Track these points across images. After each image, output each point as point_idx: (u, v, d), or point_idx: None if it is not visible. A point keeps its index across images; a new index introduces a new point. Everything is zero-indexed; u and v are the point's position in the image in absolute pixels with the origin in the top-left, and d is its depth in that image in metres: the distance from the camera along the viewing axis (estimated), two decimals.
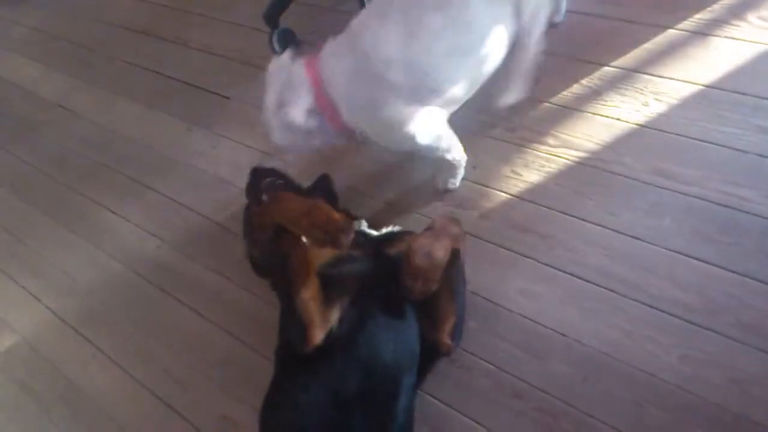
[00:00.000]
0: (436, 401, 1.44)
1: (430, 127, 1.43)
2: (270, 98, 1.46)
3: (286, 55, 1.47)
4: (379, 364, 1.26)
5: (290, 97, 1.43)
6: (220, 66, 2.38)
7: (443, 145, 1.52)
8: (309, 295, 1.25)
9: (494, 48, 1.39)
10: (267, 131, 1.50)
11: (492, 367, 1.44)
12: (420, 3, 1.33)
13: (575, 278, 1.47)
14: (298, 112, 1.42)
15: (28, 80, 2.85)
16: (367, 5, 1.64)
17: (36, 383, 1.86)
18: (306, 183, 1.73)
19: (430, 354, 1.39)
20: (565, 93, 1.78)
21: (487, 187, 1.68)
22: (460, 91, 1.41)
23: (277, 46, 2.16)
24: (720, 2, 1.84)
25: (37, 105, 2.69)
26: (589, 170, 1.62)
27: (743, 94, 1.64)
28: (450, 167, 1.62)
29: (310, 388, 1.24)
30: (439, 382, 1.46)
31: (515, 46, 1.46)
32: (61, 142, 2.46)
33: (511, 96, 1.56)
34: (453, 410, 1.42)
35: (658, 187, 1.55)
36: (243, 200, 1.71)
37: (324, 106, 1.42)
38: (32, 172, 2.40)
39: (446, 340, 1.38)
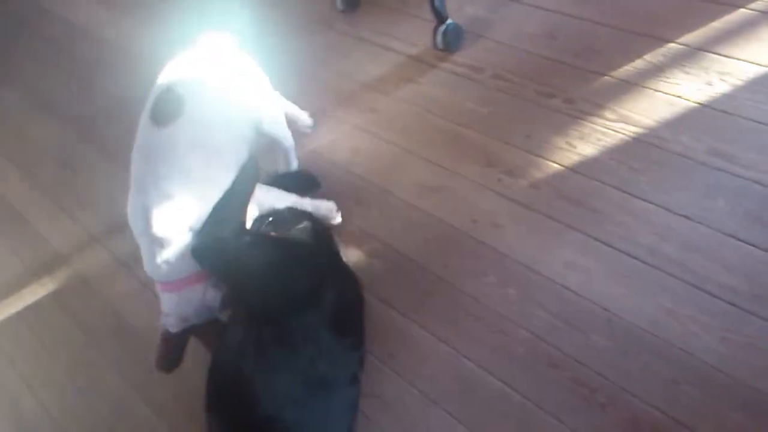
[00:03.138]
0: (470, 363, 1.47)
1: None
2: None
3: None
4: None
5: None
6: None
7: None
8: None
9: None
10: None
11: (529, 335, 1.45)
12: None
13: (622, 254, 1.47)
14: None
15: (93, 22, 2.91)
16: None
17: (87, 316, 1.94)
18: None
19: None
20: (627, 67, 1.75)
21: (539, 156, 1.67)
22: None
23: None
24: None
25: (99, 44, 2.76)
26: (645, 147, 1.60)
27: None
28: None
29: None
30: (475, 346, 1.48)
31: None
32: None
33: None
34: (487, 373, 1.44)
35: (715, 168, 1.53)
36: None
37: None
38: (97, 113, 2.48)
39: None
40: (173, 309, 1.47)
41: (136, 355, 1.83)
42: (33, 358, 2.03)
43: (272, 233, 1.53)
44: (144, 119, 1.47)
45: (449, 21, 1.92)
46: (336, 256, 1.59)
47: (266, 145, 1.71)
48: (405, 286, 1.61)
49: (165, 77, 1.51)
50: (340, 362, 1.44)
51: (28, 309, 2.16)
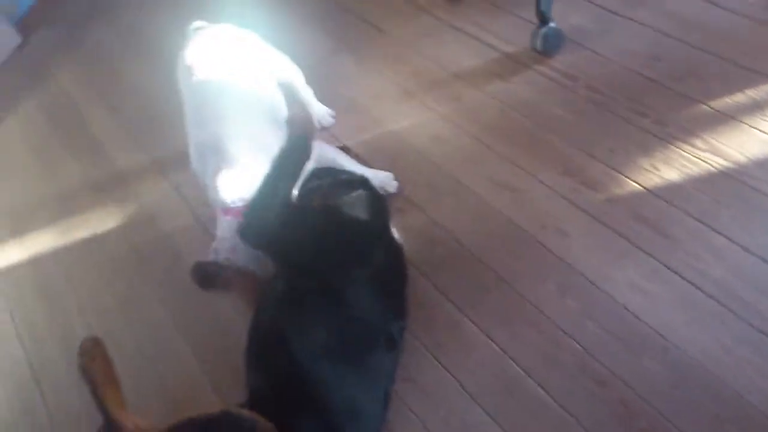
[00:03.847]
0: (515, 365, 1.46)
1: None
2: None
3: None
4: None
5: None
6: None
7: None
8: None
9: None
10: None
11: (580, 348, 1.44)
12: None
13: (690, 284, 1.44)
14: None
15: None
16: None
17: (146, 248, 2.02)
18: None
19: None
20: (726, 99, 1.71)
21: (620, 173, 1.65)
22: None
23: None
24: None
25: None
26: (732, 182, 1.56)
27: None
28: None
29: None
30: (523, 350, 1.48)
31: None
32: None
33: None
34: (530, 378, 1.44)
35: None
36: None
37: None
38: None
39: None
40: (228, 234, 1.51)
41: (187, 297, 1.90)
42: (90, 282, 2.12)
43: (320, 202, 1.57)
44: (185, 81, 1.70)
45: (552, 24, 1.90)
46: (385, 226, 1.61)
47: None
48: (463, 279, 1.62)
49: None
50: (377, 325, 1.46)
51: (93, 235, 2.26)
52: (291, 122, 1.55)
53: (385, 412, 1.44)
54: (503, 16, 2.09)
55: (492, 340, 1.52)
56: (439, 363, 1.54)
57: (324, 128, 2.06)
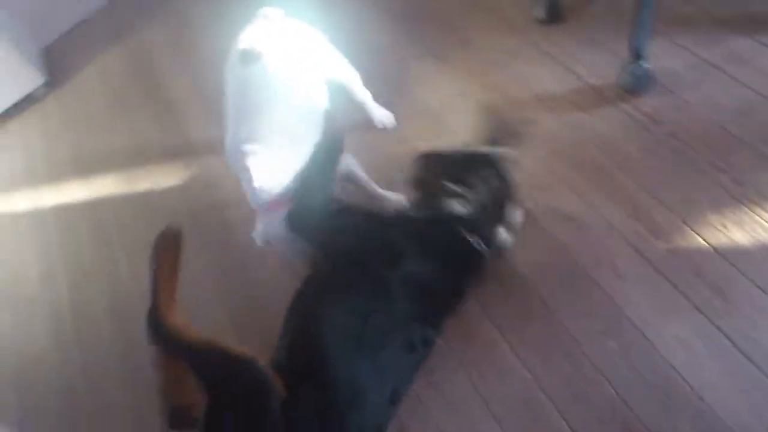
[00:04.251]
0: (545, 397, 1.45)
1: None
2: None
3: None
4: None
5: None
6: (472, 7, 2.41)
7: None
8: None
9: None
10: None
11: (614, 393, 1.41)
12: None
13: (739, 351, 1.40)
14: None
15: None
16: None
17: (201, 213, 2.08)
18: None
19: None
20: None
21: (687, 226, 1.61)
22: None
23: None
24: None
25: None
26: None
27: None
28: None
29: None
30: (556, 383, 1.46)
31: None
32: None
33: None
34: (557, 412, 1.42)
35: None
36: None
37: None
38: None
39: None
40: (270, 227, 1.60)
41: (231, 266, 1.94)
42: (141, 232, 2.19)
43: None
44: (231, 68, 1.70)
45: (644, 63, 1.87)
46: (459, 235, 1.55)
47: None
48: (509, 302, 1.61)
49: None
50: (397, 325, 1.46)
51: (153, 190, 2.33)
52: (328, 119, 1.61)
53: (391, 410, 1.43)
54: (596, 48, 2.06)
55: (525, 367, 1.51)
56: (469, 378, 1.53)
57: (385, 130, 2.08)
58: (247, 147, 1.58)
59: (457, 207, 1.56)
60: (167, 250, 1.52)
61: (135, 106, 2.73)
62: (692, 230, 1.60)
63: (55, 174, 2.64)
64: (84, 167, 2.59)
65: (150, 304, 1.41)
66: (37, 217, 2.49)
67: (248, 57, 1.66)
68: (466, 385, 1.53)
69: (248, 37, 1.72)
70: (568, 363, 1.48)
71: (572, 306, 1.56)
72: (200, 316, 1.82)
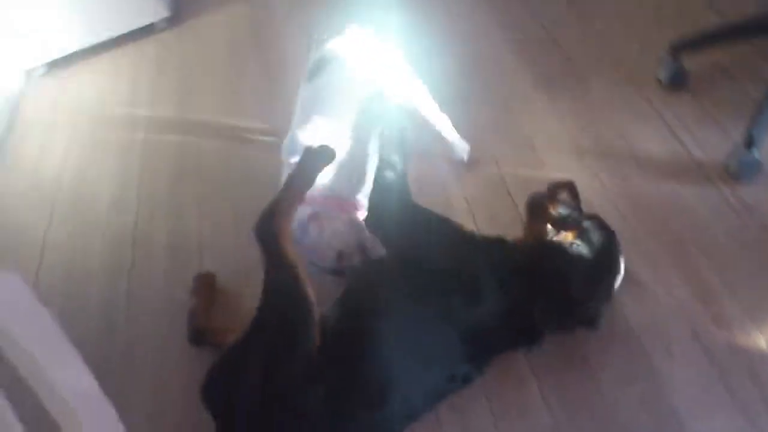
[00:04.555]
0: None
1: None
2: None
3: None
4: None
5: None
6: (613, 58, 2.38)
7: None
8: None
9: None
10: None
11: None
12: None
13: None
14: None
15: None
16: None
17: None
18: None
19: None
20: None
21: (754, 324, 1.53)
22: None
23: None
24: None
25: None
26: None
27: None
28: None
29: None
30: None
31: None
32: None
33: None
34: None
35: None
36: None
37: None
38: None
39: None
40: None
41: None
42: (219, 185, 2.26)
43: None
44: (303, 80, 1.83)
45: (755, 153, 1.80)
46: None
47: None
48: (551, 347, 1.57)
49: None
50: (449, 358, 1.47)
51: (243, 150, 2.38)
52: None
53: (402, 423, 1.45)
54: (710, 123, 2.00)
55: (550, 412, 1.48)
56: (491, 409, 1.52)
57: (457, 161, 2.07)
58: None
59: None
60: (314, 162, 1.57)
61: (245, 64, 2.81)
62: (759, 331, 1.53)
63: (155, 106, 2.74)
64: (183, 107, 2.68)
65: (273, 202, 1.49)
66: (126, 143, 2.59)
67: (322, 65, 1.78)
68: (486, 416, 1.50)
69: (330, 48, 1.82)
70: (593, 422, 1.44)
71: (614, 368, 1.52)
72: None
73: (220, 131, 2.49)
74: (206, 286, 1.89)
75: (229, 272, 1.95)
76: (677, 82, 2.12)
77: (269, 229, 1.45)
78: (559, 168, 1.97)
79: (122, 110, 2.78)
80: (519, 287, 1.51)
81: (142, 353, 1.85)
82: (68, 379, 0.86)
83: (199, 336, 1.76)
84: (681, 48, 2.11)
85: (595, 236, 1.59)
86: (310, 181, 1.55)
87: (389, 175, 1.64)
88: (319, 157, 1.56)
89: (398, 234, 1.61)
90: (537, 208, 1.67)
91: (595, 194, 1.87)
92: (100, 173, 2.50)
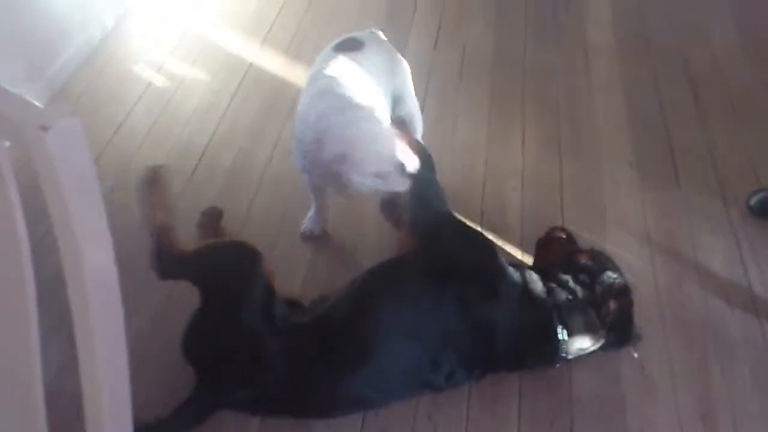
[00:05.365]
0: None
1: None
2: None
3: None
4: None
5: None
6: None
7: None
8: None
9: None
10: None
11: None
12: None
13: None
14: None
15: None
16: None
17: None
18: None
19: None
20: None
21: None
22: None
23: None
24: None
25: None
26: None
27: None
28: None
29: None
30: None
31: None
32: None
33: None
34: None
35: None
36: None
37: None
38: None
39: None
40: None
41: None
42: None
43: None
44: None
45: None
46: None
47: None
48: (543, 396, 1.61)
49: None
50: (440, 345, 1.51)
51: None
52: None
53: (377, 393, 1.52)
54: None
55: None
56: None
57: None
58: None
59: (563, 294, 1.59)
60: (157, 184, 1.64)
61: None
62: None
63: (270, 40, 2.80)
64: (291, 50, 2.74)
65: (156, 245, 1.53)
66: (234, 64, 2.66)
67: (351, 43, 1.81)
68: None
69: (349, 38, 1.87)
70: None
71: None
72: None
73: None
74: (213, 222, 1.91)
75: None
76: (763, 212, 2.08)
77: (170, 262, 1.53)
78: (618, 245, 1.96)
79: (237, 36, 2.82)
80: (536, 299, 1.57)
81: None
82: (96, 262, 0.79)
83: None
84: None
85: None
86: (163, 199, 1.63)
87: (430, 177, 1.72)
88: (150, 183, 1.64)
89: (434, 223, 1.67)
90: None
91: (644, 284, 1.86)
92: (193, 85, 2.56)
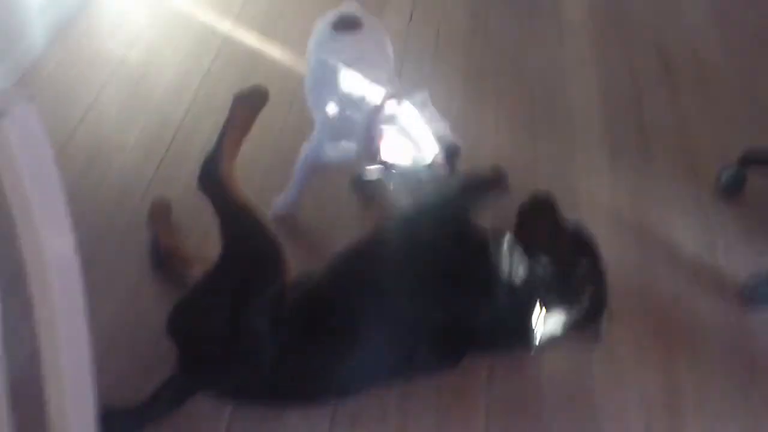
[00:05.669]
0: None
1: None
2: None
3: None
4: None
5: None
6: None
7: None
8: None
9: None
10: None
11: None
12: None
13: None
14: None
15: None
16: None
17: None
18: None
19: None
20: None
21: None
22: None
23: None
24: None
25: None
26: None
27: None
28: None
29: None
30: None
31: None
32: None
33: None
34: None
35: None
36: None
37: None
38: None
39: None
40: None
41: None
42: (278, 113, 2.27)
43: None
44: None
45: None
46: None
47: None
48: (511, 386, 1.62)
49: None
50: (414, 327, 1.51)
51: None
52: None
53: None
54: (748, 239, 1.97)
55: None
56: (436, 420, 1.56)
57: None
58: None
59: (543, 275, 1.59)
60: (249, 105, 1.61)
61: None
62: None
63: (241, 17, 2.76)
64: (267, 28, 2.69)
65: (213, 149, 1.52)
66: (203, 43, 2.61)
67: (348, 22, 1.80)
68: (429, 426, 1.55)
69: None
70: None
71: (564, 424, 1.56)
72: None
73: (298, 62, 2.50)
74: (161, 213, 1.85)
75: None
76: (734, 189, 2.11)
77: (215, 178, 1.50)
78: (589, 223, 1.96)
79: (209, 12, 2.77)
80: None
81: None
82: (56, 247, 0.78)
83: (166, 259, 1.73)
84: (752, 160, 2.11)
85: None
86: (247, 125, 1.58)
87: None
88: (252, 99, 1.59)
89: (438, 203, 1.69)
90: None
91: (614, 261, 1.86)
92: (165, 63, 2.53)
